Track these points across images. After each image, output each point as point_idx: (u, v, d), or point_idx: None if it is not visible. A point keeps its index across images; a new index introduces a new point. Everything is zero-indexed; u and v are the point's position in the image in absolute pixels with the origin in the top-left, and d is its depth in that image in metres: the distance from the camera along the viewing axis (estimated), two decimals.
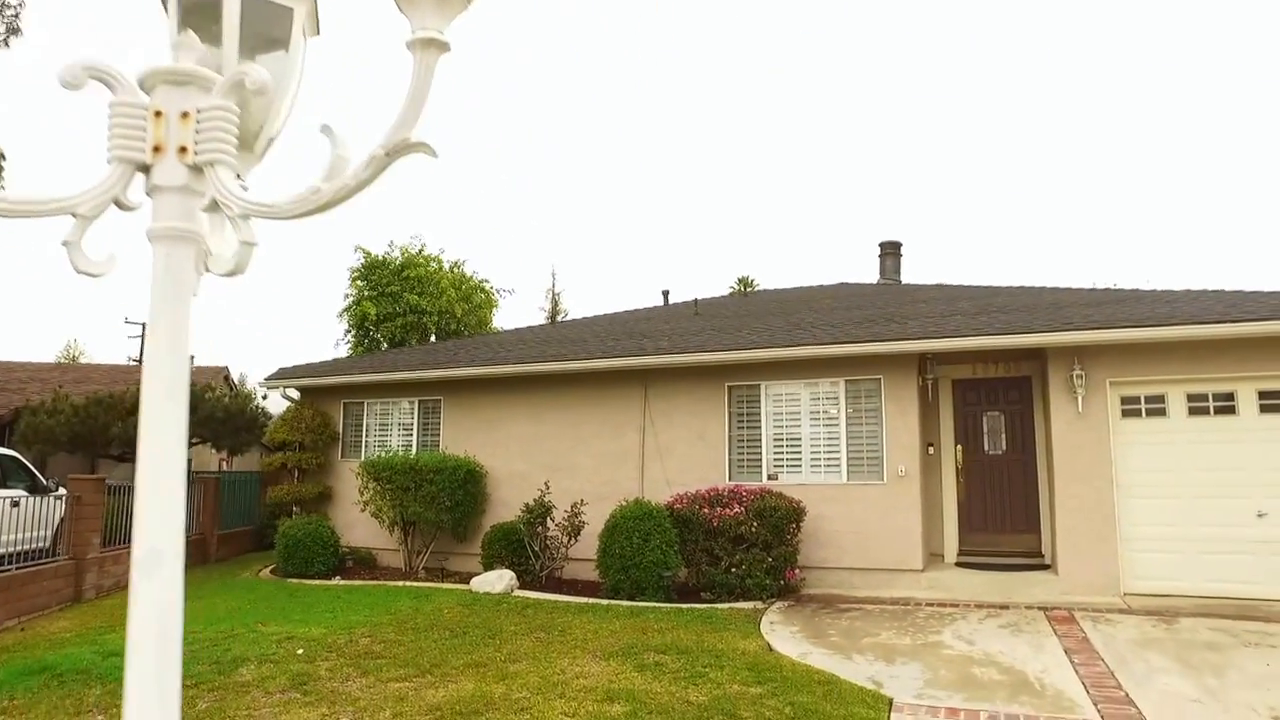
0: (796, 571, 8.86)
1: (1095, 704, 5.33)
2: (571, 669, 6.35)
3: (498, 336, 15.91)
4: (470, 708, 5.55)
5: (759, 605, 8.38)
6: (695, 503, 8.98)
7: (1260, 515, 8.18)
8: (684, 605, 8.41)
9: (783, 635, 7.27)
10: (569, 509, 9.80)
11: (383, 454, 11.33)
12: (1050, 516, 9.23)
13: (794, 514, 8.83)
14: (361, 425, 12.54)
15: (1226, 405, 8.48)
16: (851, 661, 6.45)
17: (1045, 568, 9.26)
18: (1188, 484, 8.45)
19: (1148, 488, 8.58)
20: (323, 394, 12.79)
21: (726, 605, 8.39)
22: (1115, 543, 8.46)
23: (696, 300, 14.38)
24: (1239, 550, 8.21)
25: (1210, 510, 8.35)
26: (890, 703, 5.43)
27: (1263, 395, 8.37)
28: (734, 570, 8.58)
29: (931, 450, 10.20)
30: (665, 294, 16.22)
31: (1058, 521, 8.80)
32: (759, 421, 10.09)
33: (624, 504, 9.02)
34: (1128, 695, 5.47)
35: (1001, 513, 9.99)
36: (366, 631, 7.77)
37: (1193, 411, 8.58)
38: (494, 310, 23.87)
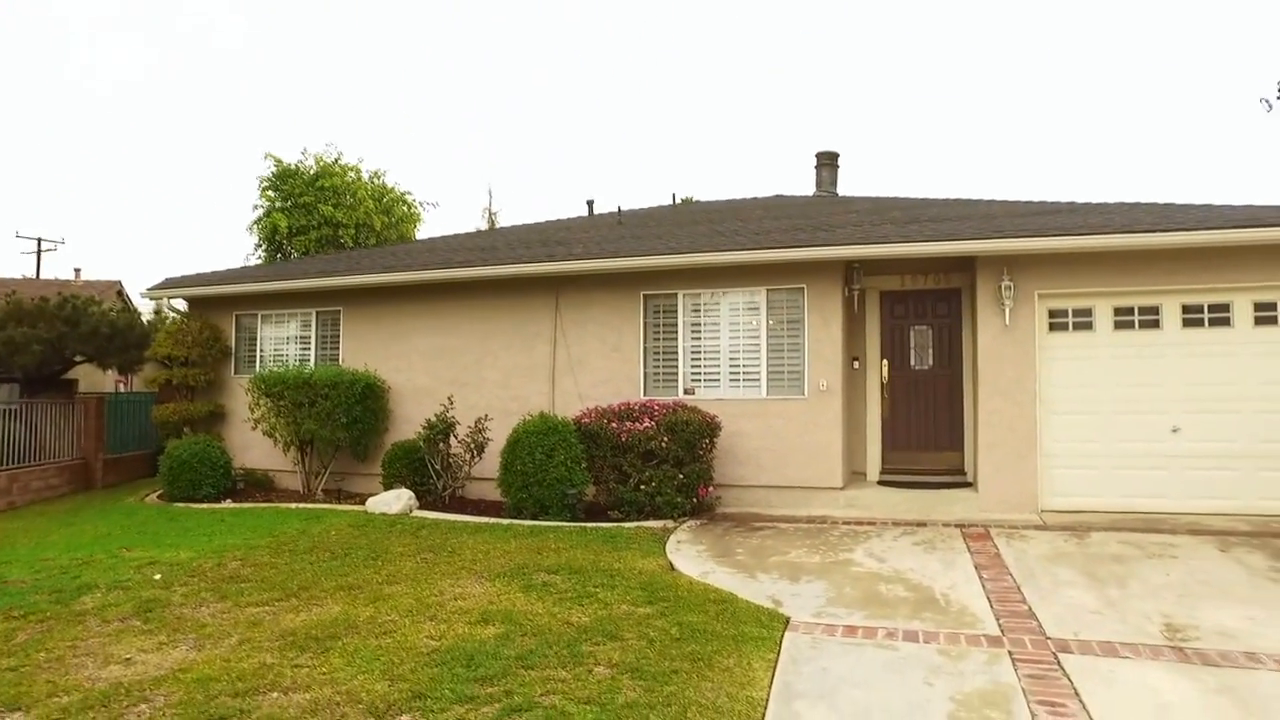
0: (710, 489, 8.47)
1: (998, 619, 5.09)
2: (452, 590, 5.85)
3: (406, 246, 14.82)
4: (328, 632, 5.01)
5: (669, 524, 7.99)
6: (604, 417, 8.45)
7: (1174, 430, 8.09)
8: (589, 524, 7.96)
9: (687, 554, 6.89)
10: (473, 425, 9.19)
11: (276, 369, 10.45)
12: (974, 433, 9.00)
13: (708, 429, 8.38)
14: (256, 339, 11.57)
15: (1151, 320, 8.26)
16: (755, 580, 6.10)
17: (967, 485, 9.08)
18: (1108, 399, 8.30)
19: (1070, 403, 8.39)
20: (213, 305, 11.73)
21: (634, 524, 7.97)
22: (1035, 459, 8.28)
23: (620, 209, 13.47)
24: (1153, 465, 8.16)
25: (1128, 426, 8.23)
26: (787, 621, 5.09)
27: (1186, 310, 8.17)
28: (644, 488, 8.13)
29: (856, 365, 9.82)
30: (590, 204, 15.10)
31: (980, 438, 8.56)
32: (675, 333, 9.51)
33: (528, 418, 8.43)
34: (1030, 609, 5.24)
35: (927, 430, 9.72)
36: (239, 555, 7.13)
37: (1118, 325, 8.34)
38: (418, 225, 22.46)
